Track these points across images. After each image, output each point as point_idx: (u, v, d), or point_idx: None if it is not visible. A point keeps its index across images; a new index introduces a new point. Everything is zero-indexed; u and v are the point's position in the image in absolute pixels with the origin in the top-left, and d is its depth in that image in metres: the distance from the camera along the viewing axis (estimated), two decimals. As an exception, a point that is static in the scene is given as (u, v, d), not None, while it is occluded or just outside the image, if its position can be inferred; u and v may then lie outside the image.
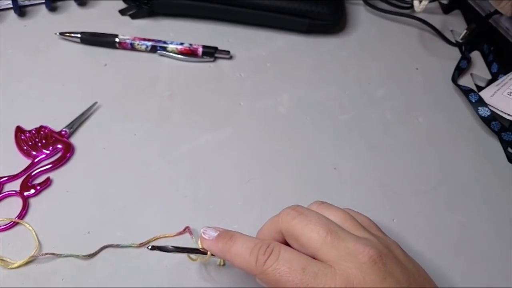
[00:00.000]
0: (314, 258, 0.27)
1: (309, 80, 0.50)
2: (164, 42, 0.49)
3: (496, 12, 0.53)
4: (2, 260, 0.33)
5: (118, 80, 0.47)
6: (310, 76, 0.50)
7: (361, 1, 0.59)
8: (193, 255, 0.32)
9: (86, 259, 0.34)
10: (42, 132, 0.41)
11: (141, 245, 0.35)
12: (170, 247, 0.31)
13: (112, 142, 0.42)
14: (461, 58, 0.53)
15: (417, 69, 0.53)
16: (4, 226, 0.35)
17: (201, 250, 0.31)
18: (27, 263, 0.33)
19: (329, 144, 0.45)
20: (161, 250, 0.31)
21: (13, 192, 0.37)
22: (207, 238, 0.30)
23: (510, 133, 0.45)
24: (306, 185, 0.41)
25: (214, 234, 0.30)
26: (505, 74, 0.51)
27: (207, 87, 0.48)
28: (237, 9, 0.52)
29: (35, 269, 0.34)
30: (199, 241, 0.31)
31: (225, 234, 0.30)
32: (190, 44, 0.50)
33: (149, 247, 0.31)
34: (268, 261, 0.26)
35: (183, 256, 0.33)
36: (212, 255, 0.31)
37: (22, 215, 0.36)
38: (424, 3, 0.53)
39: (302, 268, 0.26)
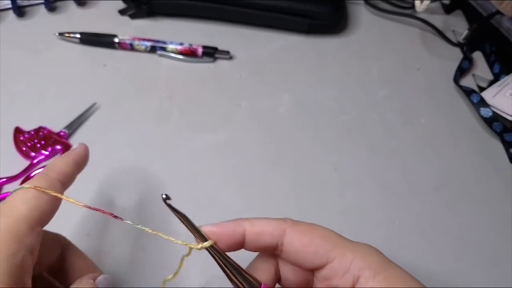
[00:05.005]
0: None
1: (310, 80, 0.50)
2: (164, 42, 0.49)
3: (498, 12, 0.53)
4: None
5: (117, 81, 0.47)
6: (311, 76, 0.50)
7: (362, 1, 0.59)
8: (193, 243, 0.25)
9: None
10: (41, 133, 0.41)
11: None
12: (181, 215, 0.25)
13: (111, 143, 0.42)
14: (463, 59, 0.53)
15: (418, 69, 0.53)
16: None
17: (204, 235, 0.25)
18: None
19: (329, 145, 0.44)
20: (171, 209, 0.25)
21: (12, 193, 0.37)
22: (213, 223, 0.25)
23: (512, 134, 0.45)
24: (307, 186, 0.41)
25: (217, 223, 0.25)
26: (507, 74, 0.50)
27: (206, 88, 0.48)
28: (237, 9, 0.51)
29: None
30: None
31: (236, 218, 0.26)
32: (190, 44, 0.49)
33: (164, 196, 0.25)
34: (296, 220, 0.25)
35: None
36: (211, 247, 0.24)
37: (20, 216, 0.36)
38: (426, 3, 0.53)
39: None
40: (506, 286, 0.37)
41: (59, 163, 0.27)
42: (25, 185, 0.24)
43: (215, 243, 0.24)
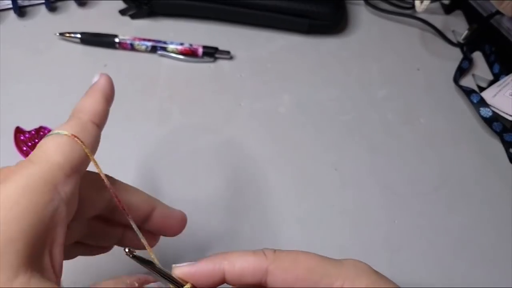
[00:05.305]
0: None
1: (310, 80, 0.50)
2: (164, 43, 0.49)
3: (498, 12, 0.53)
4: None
5: (118, 81, 0.46)
6: (311, 76, 0.50)
7: (362, 1, 0.59)
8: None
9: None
10: (41, 133, 0.41)
11: None
12: (150, 265, 0.23)
13: (112, 143, 0.42)
14: (463, 59, 0.53)
15: (418, 69, 0.53)
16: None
17: (179, 280, 0.23)
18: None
19: (329, 145, 0.44)
20: (138, 261, 0.23)
21: (12, 193, 0.37)
22: (186, 264, 0.23)
23: (512, 134, 0.45)
24: (307, 186, 0.41)
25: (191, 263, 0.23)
26: (506, 74, 0.50)
27: (207, 88, 0.48)
28: (238, 9, 0.51)
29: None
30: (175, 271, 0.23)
31: (213, 255, 0.24)
32: (190, 45, 0.49)
33: (127, 250, 0.23)
34: (277, 250, 0.23)
35: None
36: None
37: (21, 216, 0.36)
38: (426, 3, 0.53)
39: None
40: (506, 286, 0.37)
41: (88, 102, 0.25)
42: (60, 131, 0.22)
43: (192, 285, 0.22)
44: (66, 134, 0.22)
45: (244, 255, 0.23)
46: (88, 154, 0.23)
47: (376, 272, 0.23)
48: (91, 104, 0.25)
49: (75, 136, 0.22)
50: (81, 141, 0.22)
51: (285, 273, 0.22)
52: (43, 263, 0.20)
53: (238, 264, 0.22)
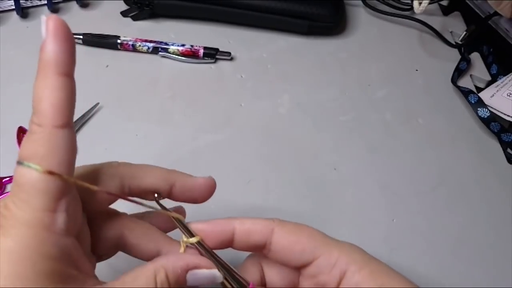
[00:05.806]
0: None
1: (310, 81, 0.50)
2: (166, 44, 0.50)
3: (496, 13, 0.53)
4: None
5: (119, 81, 0.47)
6: (311, 77, 0.51)
7: (361, 3, 0.59)
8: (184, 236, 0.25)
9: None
10: (44, 133, 0.41)
11: None
12: (170, 212, 0.25)
13: (114, 143, 0.42)
14: (461, 60, 0.53)
15: (417, 70, 0.53)
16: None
17: (192, 232, 0.25)
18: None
19: (329, 145, 0.45)
20: (163, 208, 0.26)
21: (16, 192, 0.38)
22: (202, 221, 0.25)
23: (509, 134, 0.46)
24: (306, 186, 0.42)
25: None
26: (504, 75, 0.51)
27: (208, 88, 0.48)
28: (238, 11, 0.52)
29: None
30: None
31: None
32: (192, 46, 0.50)
33: (156, 195, 0.26)
34: (285, 220, 0.26)
35: None
36: (198, 244, 0.25)
37: (24, 215, 0.36)
38: (424, 4, 0.53)
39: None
40: (505, 286, 0.37)
41: (43, 95, 0.19)
42: (29, 163, 0.19)
43: (202, 239, 0.25)
44: (37, 169, 0.19)
45: (254, 219, 0.25)
46: (67, 181, 0.20)
47: (370, 255, 0.25)
48: (48, 97, 0.19)
49: (48, 172, 0.19)
50: (57, 174, 0.19)
51: (289, 234, 0.25)
52: (77, 278, 0.20)
53: (248, 224, 0.25)
